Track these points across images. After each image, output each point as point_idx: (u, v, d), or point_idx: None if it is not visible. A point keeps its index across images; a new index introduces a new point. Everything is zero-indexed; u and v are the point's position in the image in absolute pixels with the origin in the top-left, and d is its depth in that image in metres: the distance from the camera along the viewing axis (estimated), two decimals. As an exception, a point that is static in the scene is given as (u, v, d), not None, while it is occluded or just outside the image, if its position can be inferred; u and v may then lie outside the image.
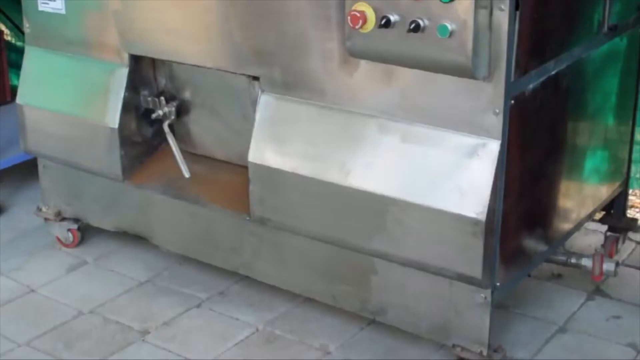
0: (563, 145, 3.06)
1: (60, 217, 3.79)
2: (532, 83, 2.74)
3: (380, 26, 2.60)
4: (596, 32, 3.04)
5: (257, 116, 3.04)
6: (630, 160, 3.55)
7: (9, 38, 5.26)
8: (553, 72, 2.85)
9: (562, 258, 3.30)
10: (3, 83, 4.81)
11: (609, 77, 3.26)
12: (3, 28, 5.21)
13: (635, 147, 3.61)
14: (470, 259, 2.71)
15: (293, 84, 2.95)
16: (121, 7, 3.28)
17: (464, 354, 2.87)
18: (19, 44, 5.23)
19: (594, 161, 3.28)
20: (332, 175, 2.88)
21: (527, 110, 2.76)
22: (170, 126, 3.40)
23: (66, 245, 3.83)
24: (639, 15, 3.28)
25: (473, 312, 2.82)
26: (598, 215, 3.57)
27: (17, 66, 4.48)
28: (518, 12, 2.56)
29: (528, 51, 2.68)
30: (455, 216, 2.69)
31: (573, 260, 3.29)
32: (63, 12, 3.46)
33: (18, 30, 5.17)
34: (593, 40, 3.05)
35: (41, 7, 3.52)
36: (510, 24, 2.54)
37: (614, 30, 3.11)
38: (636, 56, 3.38)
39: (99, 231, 3.79)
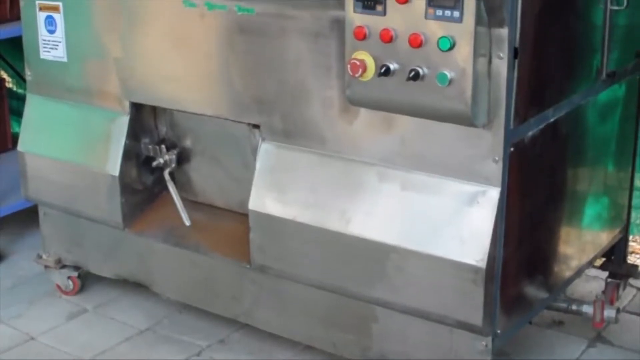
0: (563, 191, 3.06)
1: (61, 264, 3.78)
2: (531, 130, 2.75)
3: (380, 74, 2.62)
4: (595, 79, 3.06)
5: (258, 164, 3.04)
6: (630, 206, 3.55)
7: (10, 85, 5.29)
8: (552, 119, 2.86)
9: (563, 305, 3.29)
10: (4, 130, 4.83)
11: (608, 124, 3.27)
12: (4, 75, 5.23)
13: (635, 193, 3.62)
14: (471, 306, 2.70)
15: (293, 132, 2.96)
16: (122, 55, 3.30)
17: (465, 402, 2.86)
18: (20, 91, 5.25)
19: (594, 207, 3.28)
20: (333, 223, 2.88)
21: (526, 158, 2.77)
22: (171, 174, 3.41)
23: (66, 293, 3.83)
24: (637, 62, 3.30)
25: (474, 359, 2.81)
26: (598, 262, 3.57)
27: (18, 113, 4.51)
28: (517, 60, 2.57)
29: (527, 99, 2.69)
30: (455, 264, 2.68)
31: (574, 307, 3.28)
32: (65, 60, 3.49)
33: (19, 77, 5.20)
34: (592, 87, 3.06)
35: (43, 55, 3.55)
36: (509, 71, 2.56)
37: (613, 77, 3.12)
38: (635, 102, 3.40)
39: (100, 279, 3.78)
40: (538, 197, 2.90)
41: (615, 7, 3.01)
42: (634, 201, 3.60)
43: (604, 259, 3.58)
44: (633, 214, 3.64)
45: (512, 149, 2.65)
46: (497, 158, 2.62)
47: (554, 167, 2.97)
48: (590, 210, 3.26)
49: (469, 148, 2.66)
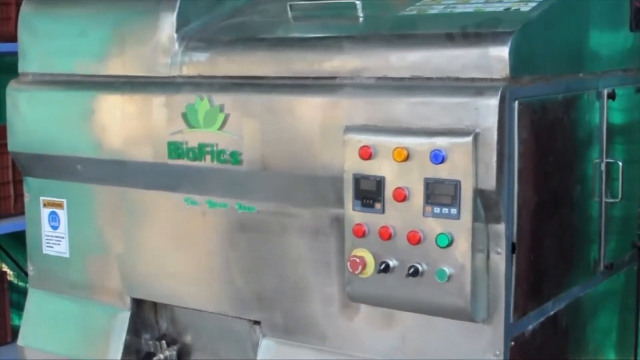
0: (566, 385, 3.05)
1: None
2: (531, 324, 2.75)
3: (380, 271, 2.64)
4: (593, 270, 3.09)
5: (258, 360, 3.05)
6: (634, 396, 3.52)
7: (11, 278, 5.32)
8: (552, 312, 2.87)
9: None
10: (4, 323, 4.83)
11: (607, 315, 3.28)
12: (6, 268, 5.27)
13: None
14: None
15: (294, 329, 2.96)
16: (124, 251, 3.34)
17: None
18: (21, 284, 5.27)
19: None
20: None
21: (527, 351, 2.76)
22: (172, 370, 3.40)
23: None
24: (634, 253, 3.33)
25: None
26: None
27: (18, 307, 4.51)
28: (514, 255, 2.60)
29: (526, 293, 2.70)
30: None
31: None
32: (67, 255, 3.52)
33: (21, 270, 5.23)
34: (590, 278, 3.09)
35: (46, 251, 3.59)
36: (507, 267, 2.59)
37: (610, 269, 3.15)
38: (634, 293, 3.41)
39: None
40: (541, 391, 2.88)
41: (610, 200, 3.07)
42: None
43: None
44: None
45: (512, 343, 2.64)
46: (497, 352, 2.61)
47: (555, 359, 2.96)
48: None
49: (470, 342, 2.65)
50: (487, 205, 2.55)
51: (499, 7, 2.73)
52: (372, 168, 2.65)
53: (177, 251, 3.20)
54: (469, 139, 2.51)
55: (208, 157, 3.00)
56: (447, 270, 2.55)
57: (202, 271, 3.15)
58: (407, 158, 2.59)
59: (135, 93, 3.19)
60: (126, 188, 3.29)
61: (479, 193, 2.53)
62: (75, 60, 3.38)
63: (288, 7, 3.06)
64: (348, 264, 2.68)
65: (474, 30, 2.62)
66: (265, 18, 3.20)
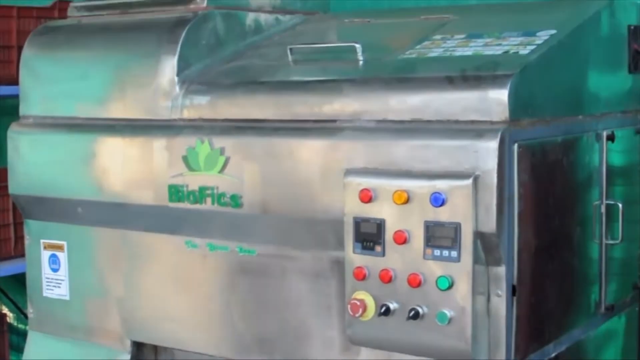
0: None
1: None
2: (532, 367, 2.75)
3: (380, 314, 2.64)
4: (594, 312, 3.08)
5: (259, 404, 3.03)
6: None
7: (11, 320, 5.30)
8: (553, 355, 2.85)
9: None
10: (4, 366, 4.82)
11: (609, 356, 3.26)
12: (6, 310, 5.26)
13: None
14: None
15: (295, 371, 2.96)
16: (124, 294, 3.33)
17: None
18: (21, 326, 5.26)
19: None
20: None
21: (529, 394, 2.76)
22: (171, 414, 3.38)
23: None
24: (636, 294, 3.32)
25: None
26: None
27: (18, 349, 4.50)
28: (515, 298, 2.60)
29: (527, 335, 2.70)
30: None
31: None
32: (67, 298, 3.51)
33: (21, 312, 5.22)
34: (592, 320, 3.08)
35: (46, 294, 3.58)
36: (508, 309, 2.58)
37: (612, 310, 3.15)
38: (635, 334, 3.39)
39: None
40: None
41: (611, 242, 3.07)
42: None
43: None
44: None
45: (514, 387, 2.64)
46: (500, 395, 2.61)
47: (557, 404, 2.95)
48: None
49: (471, 385, 2.65)
50: (487, 248, 2.56)
51: (498, 51, 2.75)
52: (373, 211, 2.65)
53: (177, 294, 3.19)
54: (469, 181, 2.52)
55: (209, 200, 3.01)
56: (448, 313, 2.55)
57: (202, 314, 3.15)
58: (407, 201, 2.59)
59: (136, 136, 3.20)
60: (127, 231, 3.29)
61: (479, 236, 2.53)
62: (77, 103, 3.40)
63: (288, 51, 3.08)
64: (349, 306, 2.68)
65: (473, 74, 2.63)
66: (265, 61, 3.22)
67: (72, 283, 3.49)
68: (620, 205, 3.05)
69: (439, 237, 2.55)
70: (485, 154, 2.53)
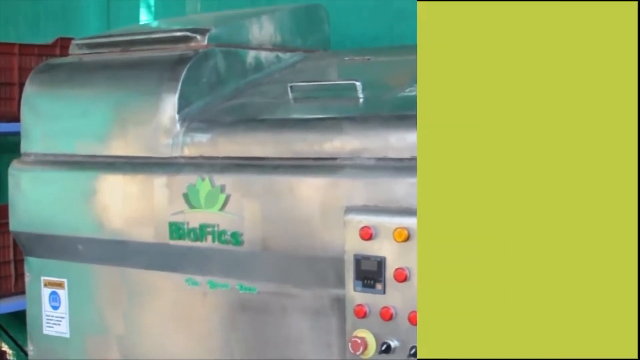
0: None
1: None
2: (534, 405, 2.74)
3: (381, 352, 2.63)
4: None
5: None
6: None
7: (11, 358, 5.29)
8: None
9: None
10: (3, 400, 4.80)
11: None
12: (5, 348, 5.24)
13: None
14: None
15: (295, 410, 2.95)
16: (125, 331, 3.33)
17: None
18: (20, 364, 5.26)
19: None
20: None
21: None
22: None
23: None
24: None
25: None
26: None
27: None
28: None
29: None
30: None
31: None
32: (67, 335, 3.50)
33: (21, 350, 5.21)
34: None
35: (46, 331, 3.57)
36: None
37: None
38: None
39: None
40: None
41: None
42: None
43: None
44: None
45: None
46: None
47: None
48: None
49: None
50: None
51: (498, 88, 2.76)
52: (373, 248, 2.65)
53: (177, 331, 3.18)
54: (469, 219, 2.52)
55: (209, 237, 3.01)
56: (449, 349, 2.54)
57: (203, 351, 3.13)
58: (407, 238, 2.60)
59: (136, 173, 3.21)
60: (127, 268, 3.29)
61: (479, 273, 2.53)
62: (77, 140, 3.41)
63: (288, 88, 3.09)
64: (349, 344, 2.67)
65: (472, 111, 2.64)
66: (266, 99, 3.23)
67: (73, 320, 3.48)
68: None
69: (440, 274, 2.55)
70: (485, 191, 2.53)
